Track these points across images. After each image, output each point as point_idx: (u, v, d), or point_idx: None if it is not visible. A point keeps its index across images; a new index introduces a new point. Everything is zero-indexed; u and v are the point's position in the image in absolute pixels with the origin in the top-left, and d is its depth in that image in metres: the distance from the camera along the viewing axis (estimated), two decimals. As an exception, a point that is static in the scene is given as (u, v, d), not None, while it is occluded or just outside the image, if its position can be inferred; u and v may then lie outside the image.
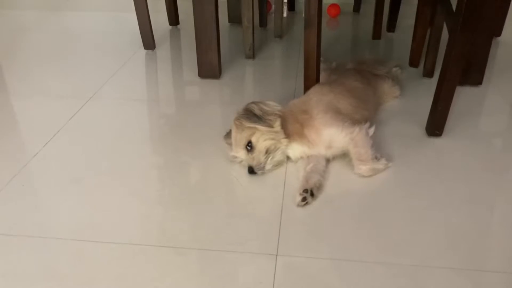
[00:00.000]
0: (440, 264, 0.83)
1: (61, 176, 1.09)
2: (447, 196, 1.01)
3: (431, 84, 1.33)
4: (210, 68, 1.58)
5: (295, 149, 1.11)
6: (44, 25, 2.25)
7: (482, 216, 0.95)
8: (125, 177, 1.09)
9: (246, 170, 1.08)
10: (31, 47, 1.95)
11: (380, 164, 1.07)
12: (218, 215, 0.96)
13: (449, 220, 0.94)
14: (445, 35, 1.23)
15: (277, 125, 1.07)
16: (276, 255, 0.85)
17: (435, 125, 1.21)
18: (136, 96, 1.51)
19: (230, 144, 1.13)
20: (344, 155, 1.11)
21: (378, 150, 1.11)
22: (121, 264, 0.84)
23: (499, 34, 1.93)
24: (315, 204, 0.98)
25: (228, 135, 1.16)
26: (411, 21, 1.65)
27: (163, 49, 1.90)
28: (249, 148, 1.07)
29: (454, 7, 1.15)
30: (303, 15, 1.25)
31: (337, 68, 1.48)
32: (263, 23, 2.16)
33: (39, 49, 1.93)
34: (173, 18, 2.16)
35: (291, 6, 2.41)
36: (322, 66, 1.38)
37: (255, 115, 1.06)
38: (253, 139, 1.07)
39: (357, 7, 2.38)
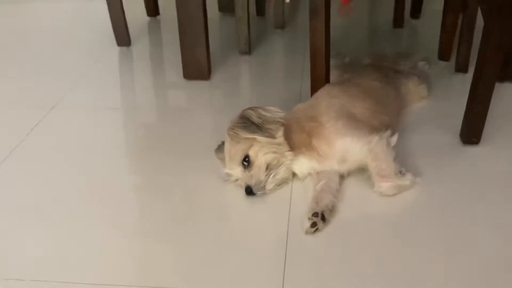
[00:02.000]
0: (483, 301, 0.83)
1: (20, 203, 1.10)
2: (490, 218, 1.01)
3: (465, 81, 1.34)
4: (197, 67, 1.59)
5: (302, 164, 1.11)
6: (-4, 20, 2.27)
7: (531, 241, 0.95)
8: (96, 202, 1.10)
9: (243, 190, 1.08)
10: (-20, 47, 1.97)
11: (406, 180, 1.08)
12: (210, 247, 0.96)
13: (494, 247, 0.93)
14: (480, 21, 1.24)
15: (279, 135, 1.08)
16: (281, 295, 0.85)
17: (471, 131, 1.22)
18: (109, 103, 1.52)
19: (222, 160, 1.13)
20: (361, 170, 1.11)
21: (403, 163, 1.11)
22: (92, 310, 0.84)
23: (546, 19, 1.95)
24: (327, 231, 0.99)
25: (220, 148, 1.17)
26: (440, 5, 1.67)
27: (140, 46, 1.91)
28: (246, 163, 1.08)
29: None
30: (308, 1, 1.26)
31: (351, 65, 1.49)
32: (260, 11, 2.18)
33: (-10, 49, 1.95)
34: (152, 8, 2.17)
35: (294, -10, 2.44)
36: (332, 62, 1.39)
37: (253, 123, 1.07)
38: (251, 153, 1.07)
39: (374, -10, 2.41)
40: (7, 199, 1.12)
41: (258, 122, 1.07)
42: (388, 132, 1.11)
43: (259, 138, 1.06)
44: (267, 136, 1.07)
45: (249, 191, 1.07)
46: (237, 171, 1.09)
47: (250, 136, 1.07)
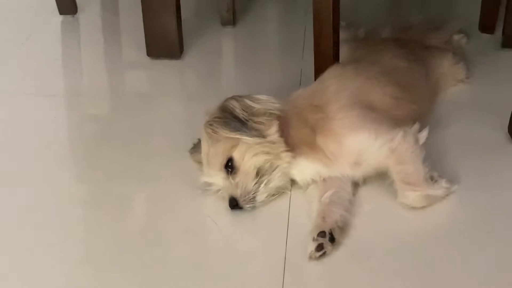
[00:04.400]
0: None
1: None
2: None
3: (515, 59, 1.35)
4: (165, 41, 1.59)
5: (304, 168, 1.12)
6: None
7: None
8: (30, 221, 1.08)
9: (226, 203, 1.08)
10: None
11: (439, 188, 1.08)
12: (184, 280, 0.95)
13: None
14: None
15: (273, 131, 1.08)
16: None
17: (524, 125, 1.22)
18: (47, 89, 1.51)
19: (200, 163, 1.13)
20: (381, 176, 1.11)
21: (436, 166, 1.11)
22: None
23: None
24: (337, 256, 0.98)
25: (196, 148, 1.17)
26: (482, -39, 1.67)
27: (89, 14, 1.90)
28: (229, 169, 1.07)
29: None
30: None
31: (367, 39, 1.49)
32: (248, -32, 2.18)
33: None
34: (105, -36, 2.17)
35: None
36: (343, 35, 1.39)
37: (236, 118, 1.07)
38: (236, 155, 1.07)
39: None
40: None
41: (243, 117, 1.07)
42: (416, 126, 1.11)
43: (245, 137, 1.07)
44: (254, 136, 1.07)
45: (234, 204, 1.07)
46: (218, 178, 1.09)
47: (233, 135, 1.07)
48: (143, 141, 1.30)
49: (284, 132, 1.10)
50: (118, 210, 1.11)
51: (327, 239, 0.98)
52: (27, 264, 0.99)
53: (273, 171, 1.09)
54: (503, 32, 1.61)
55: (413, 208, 1.07)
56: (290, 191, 1.13)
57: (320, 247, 0.97)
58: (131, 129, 1.34)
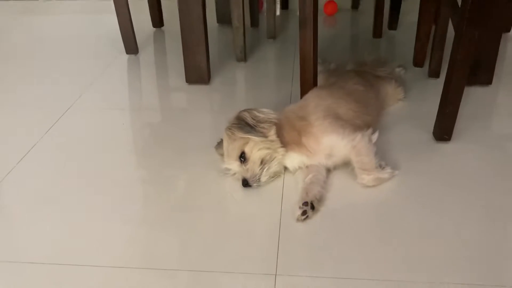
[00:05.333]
0: (457, 280, 0.83)
1: (37, 195, 1.09)
2: (460, 207, 1.02)
3: (438, 85, 1.34)
4: (198, 72, 1.59)
5: (293, 159, 1.12)
6: (16, 30, 2.25)
7: (499, 228, 0.96)
8: (106, 193, 1.09)
9: (240, 183, 1.08)
10: (1, 54, 1.95)
11: (385, 173, 1.08)
12: (210, 234, 0.96)
13: (464, 232, 0.94)
14: (451, 31, 1.25)
15: (272, 133, 1.08)
16: (275, 275, 0.85)
17: (443, 129, 1.22)
18: (118, 105, 1.51)
19: (222, 155, 1.14)
20: (346, 164, 1.12)
21: (383, 157, 1.12)
22: (105, 290, 0.84)
23: (509, 30, 1.96)
24: (316, 218, 0.99)
25: (219, 145, 1.17)
26: (414, 18, 1.68)
27: (146, 53, 1.91)
28: (242, 159, 1.08)
29: (459, 1, 1.17)
30: (298, 14, 1.27)
31: (336, 70, 1.50)
32: (254, 22, 2.18)
33: (11, 56, 1.93)
34: (157, 19, 2.17)
35: (285, 4, 2.44)
36: (319, 68, 1.39)
37: (247, 124, 1.07)
38: (247, 149, 1.07)
39: (355, 4, 2.41)
40: (26, 190, 1.11)
41: (252, 123, 1.08)
42: (370, 130, 1.12)
43: (253, 137, 1.07)
44: (259, 136, 1.07)
45: (245, 183, 1.08)
46: (234, 165, 1.09)
47: (245, 136, 1.07)
48: (183, 140, 1.30)
49: (279, 134, 1.10)
50: (166, 186, 1.11)
51: (309, 207, 0.99)
52: (104, 224, 1.00)
53: (272, 161, 1.09)
54: (429, 67, 1.61)
55: (367, 186, 1.07)
56: (284, 174, 1.14)
57: (304, 213, 0.98)
58: (175, 132, 1.34)
